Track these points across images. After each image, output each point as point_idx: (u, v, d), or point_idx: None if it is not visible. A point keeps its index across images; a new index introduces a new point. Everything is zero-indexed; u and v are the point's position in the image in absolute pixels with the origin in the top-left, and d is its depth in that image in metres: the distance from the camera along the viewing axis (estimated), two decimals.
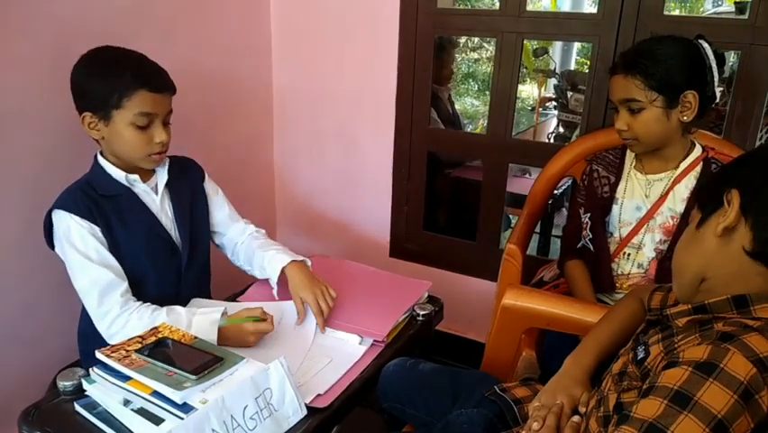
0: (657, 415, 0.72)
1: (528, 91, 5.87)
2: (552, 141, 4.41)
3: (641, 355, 0.85)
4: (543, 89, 5.25)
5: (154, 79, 1.35)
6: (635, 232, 1.50)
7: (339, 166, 2.33)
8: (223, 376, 1.10)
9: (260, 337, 1.34)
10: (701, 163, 1.43)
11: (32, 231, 1.45)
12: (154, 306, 1.35)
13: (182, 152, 1.54)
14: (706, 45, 1.38)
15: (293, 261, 1.50)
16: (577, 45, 5.55)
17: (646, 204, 1.49)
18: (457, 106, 3.13)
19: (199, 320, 1.31)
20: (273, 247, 1.56)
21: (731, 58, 2.12)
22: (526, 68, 5.18)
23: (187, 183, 1.54)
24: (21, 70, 1.47)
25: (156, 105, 1.35)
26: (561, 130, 4.39)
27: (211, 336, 1.27)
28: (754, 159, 0.83)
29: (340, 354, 1.34)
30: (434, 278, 1.79)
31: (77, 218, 1.33)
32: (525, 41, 1.98)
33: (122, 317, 1.31)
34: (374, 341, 1.40)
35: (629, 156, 1.54)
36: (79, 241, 1.33)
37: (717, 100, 1.41)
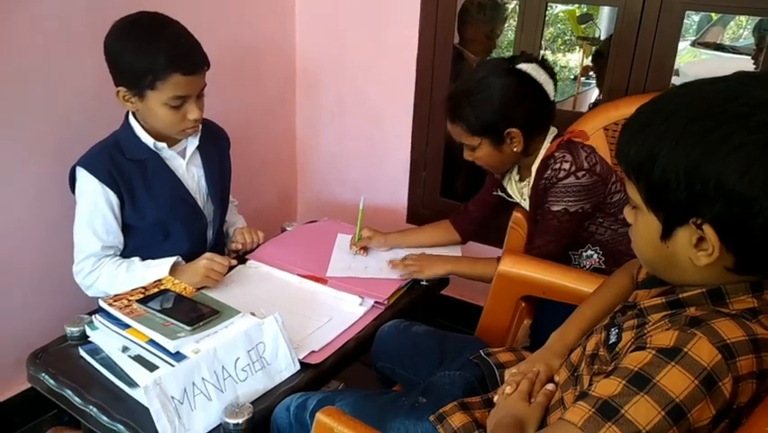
0: (613, 394, 0.71)
1: (576, 60, 5.69)
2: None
3: (613, 340, 0.84)
4: (587, 58, 5.06)
5: (188, 62, 1.33)
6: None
7: (359, 131, 2.33)
8: (217, 328, 1.15)
9: (216, 278, 1.40)
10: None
11: (57, 185, 1.52)
12: (120, 260, 1.44)
13: (204, 116, 1.54)
14: (530, 68, 1.35)
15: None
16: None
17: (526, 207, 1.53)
18: None
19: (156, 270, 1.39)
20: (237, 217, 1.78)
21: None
22: (574, 35, 5.02)
23: (216, 148, 1.59)
24: (45, 28, 1.51)
25: (190, 87, 1.35)
26: (601, 99, 4.24)
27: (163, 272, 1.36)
28: (718, 189, 0.70)
29: (340, 313, 1.37)
30: None
31: (96, 182, 1.38)
32: (548, 5, 1.92)
33: (92, 273, 1.42)
34: (375, 302, 1.42)
35: None
36: (92, 204, 1.39)
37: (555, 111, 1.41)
